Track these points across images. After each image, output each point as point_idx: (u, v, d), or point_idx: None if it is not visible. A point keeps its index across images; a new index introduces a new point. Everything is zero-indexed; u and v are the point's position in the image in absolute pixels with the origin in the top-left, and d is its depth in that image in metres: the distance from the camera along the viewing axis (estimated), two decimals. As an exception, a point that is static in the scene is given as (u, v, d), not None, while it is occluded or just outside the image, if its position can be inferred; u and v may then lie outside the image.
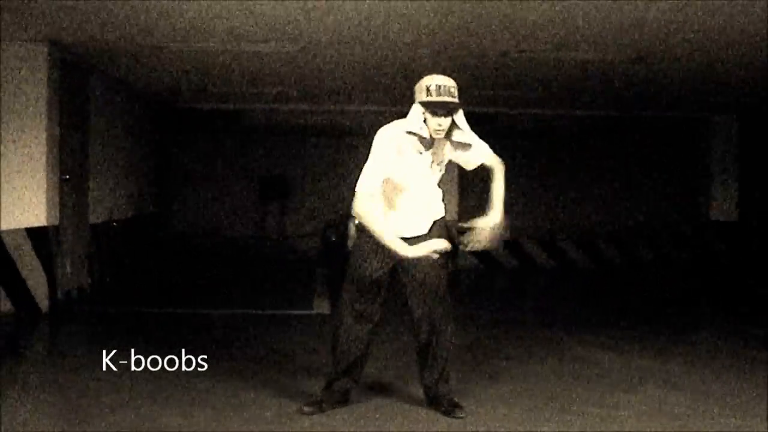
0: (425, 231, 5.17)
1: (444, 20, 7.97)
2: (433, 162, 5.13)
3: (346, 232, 16.19)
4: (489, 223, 5.03)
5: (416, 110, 4.94)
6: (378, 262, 5.12)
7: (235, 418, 5.17)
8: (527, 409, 5.44)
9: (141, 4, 7.45)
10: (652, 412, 5.40)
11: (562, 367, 6.73)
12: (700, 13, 7.55)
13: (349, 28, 8.34)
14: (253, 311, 9.66)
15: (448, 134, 5.07)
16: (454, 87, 4.93)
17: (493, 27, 8.25)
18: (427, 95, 4.87)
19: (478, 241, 5.02)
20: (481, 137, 5.36)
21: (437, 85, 4.87)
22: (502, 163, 5.25)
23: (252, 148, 16.16)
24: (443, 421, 5.15)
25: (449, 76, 5.12)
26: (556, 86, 12.21)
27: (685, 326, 8.97)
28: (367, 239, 5.07)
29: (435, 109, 4.88)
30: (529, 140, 15.81)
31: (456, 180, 14.04)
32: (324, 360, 6.78)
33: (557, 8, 7.44)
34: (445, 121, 4.94)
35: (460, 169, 5.45)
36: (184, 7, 7.54)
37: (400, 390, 5.84)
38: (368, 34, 8.64)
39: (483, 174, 5.34)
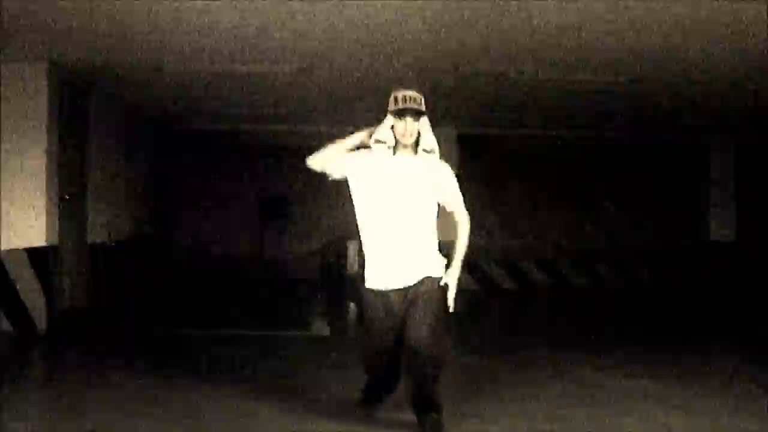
0: (411, 282, 5.20)
1: (441, 43, 8.01)
2: (405, 176, 5.26)
3: (345, 254, 16.22)
4: (448, 281, 5.26)
5: (386, 120, 5.32)
6: (388, 314, 5.22)
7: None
8: (524, 429, 5.42)
9: (140, 26, 7.49)
10: (652, 433, 5.39)
11: (562, 389, 6.70)
12: (695, 37, 7.59)
13: (345, 49, 8.38)
14: (252, 332, 9.63)
15: (416, 146, 5.31)
16: (420, 98, 5.26)
17: (490, 50, 8.29)
18: (395, 104, 5.25)
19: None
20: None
21: (404, 95, 5.25)
22: (468, 220, 5.40)
23: (251, 169, 16.19)
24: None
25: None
26: (554, 108, 12.25)
27: (684, 347, 8.94)
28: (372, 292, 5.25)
29: (401, 112, 5.22)
30: (526, 162, 15.85)
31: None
32: (322, 382, 6.79)
33: (554, 31, 7.48)
34: (412, 125, 5.23)
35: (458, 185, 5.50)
36: (183, 27, 7.58)
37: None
38: (365, 56, 8.69)
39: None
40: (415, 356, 5.09)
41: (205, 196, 16.24)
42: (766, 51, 8.04)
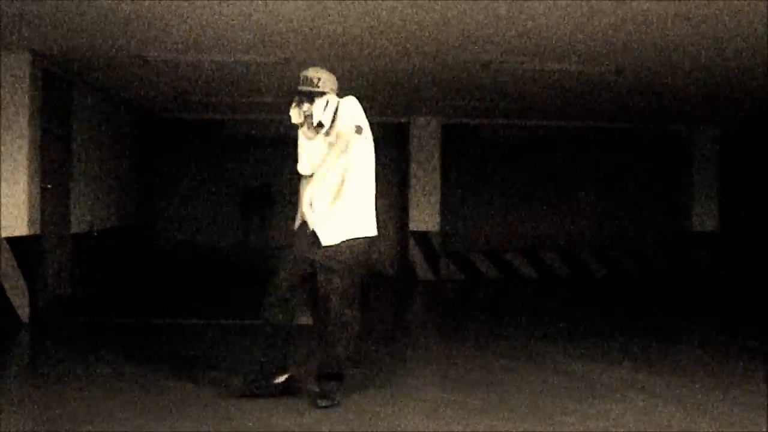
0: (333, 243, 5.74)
1: (427, 32, 8.01)
2: (310, 155, 5.74)
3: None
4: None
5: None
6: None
7: (220, 426, 5.17)
8: (509, 420, 5.46)
9: (123, 15, 7.46)
10: (636, 422, 5.42)
11: (545, 378, 6.74)
12: (680, 26, 7.62)
13: (332, 39, 8.37)
14: (234, 321, 9.64)
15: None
16: (318, 78, 5.54)
17: (476, 38, 8.30)
18: (298, 85, 5.59)
19: None
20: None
21: (303, 76, 5.59)
22: (348, 135, 5.56)
23: (235, 159, 16.14)
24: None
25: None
26: (538, 97, 12.27)
27: (668, 337, 9.00)
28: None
29: (298, 97, 5.58)
30: (510, 152, 15.86)
31: (438, 186, 14.11)
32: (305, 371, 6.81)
33: (539, 20, 7.50)
34: (306, 107, 5.56)
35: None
36: (167, 17, 7.55)
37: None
38: (351, 45, 8.68)
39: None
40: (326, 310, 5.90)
41: (189, 185, 16.18)
42: (750, 41, 8.08)
